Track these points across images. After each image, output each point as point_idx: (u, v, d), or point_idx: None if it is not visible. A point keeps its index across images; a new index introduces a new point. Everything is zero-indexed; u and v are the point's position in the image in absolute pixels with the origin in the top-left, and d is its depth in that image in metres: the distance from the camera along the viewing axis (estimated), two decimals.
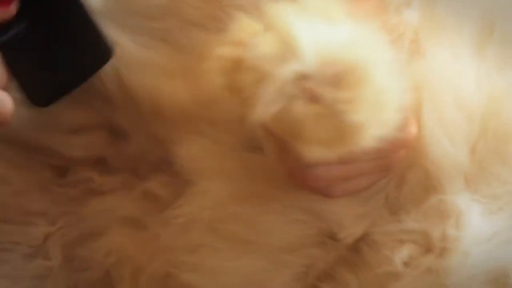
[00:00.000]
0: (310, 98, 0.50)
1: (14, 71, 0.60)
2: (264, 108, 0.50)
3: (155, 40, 0.68)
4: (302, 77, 0.50)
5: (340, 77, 0.50)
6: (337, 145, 0.51)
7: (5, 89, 0.58)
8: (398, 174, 0.61)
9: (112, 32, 0.65)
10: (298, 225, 0.61)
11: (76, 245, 0.69)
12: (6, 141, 0.69)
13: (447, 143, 0.60)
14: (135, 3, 0.69)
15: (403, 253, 0.59)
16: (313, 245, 0.62)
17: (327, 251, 0.61)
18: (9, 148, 0.69)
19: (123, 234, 0.67)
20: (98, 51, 0.62)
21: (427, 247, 0.59)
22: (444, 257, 0.58)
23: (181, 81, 0.65)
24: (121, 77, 0.66)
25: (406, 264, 0.58)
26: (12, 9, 0.58)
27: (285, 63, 0.50)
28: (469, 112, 0.61)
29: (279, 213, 0.62)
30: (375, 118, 0.51)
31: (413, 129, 0.59)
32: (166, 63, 0.66)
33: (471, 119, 0.61)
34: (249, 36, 0.53)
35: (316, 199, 0.61)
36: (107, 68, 0.63)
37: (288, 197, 0.61)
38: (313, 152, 0.51)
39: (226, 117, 0.62)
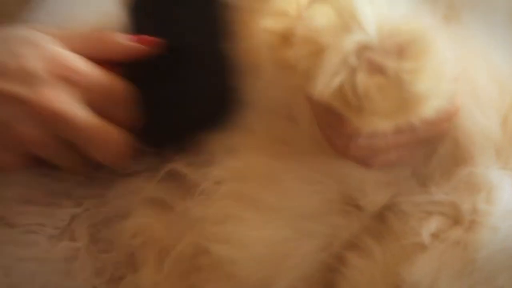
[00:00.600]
0: (374, 69, 0.50)
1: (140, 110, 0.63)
2: (327, 80, 0.50)
3: None
4: (365, 48, 0.50)
5: (403, 47, 0.50)
6: (399, 115, 0.51)
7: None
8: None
9: None
10: (321, 187, 0.61)
11: (102, 226, 0.68)
12: None
13: (478, 114, 0.59)
14: None
15: (431, 225, 0.57)
16: (336, 212, 0.61)
17: (351, 220, 0.61)
18: None
19: (149, 216, 0.67)
20: (220, 105, 0.63)
21: (456, 220, 0.58)
22: (473, 230, 0.57)
23: None
24: None
25: (433, 236, 0.57)
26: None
27: (347, 34, 0.50)
28: (501, 84, 0.60)
29: (303, 177, 0.61)
30: (437, 88, 0.51)
31: (458, 102, 0.58)
32: None
33: (503, 90, 0.60)
34: (295, 7, 0.52)
35: (340, 164, 0.60)
36: None
37: (313, 161, 0.61)
38: (374, 124, 0.51)
39: (265, 80, 0.62)
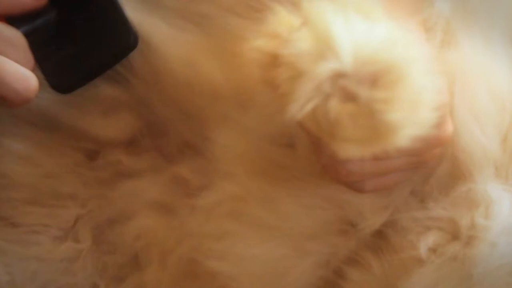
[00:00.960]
0: (346, 97, 0.50)
1: (39, 57, 0.63)
2: (300, 106, 0.50)
3: (190, 23, 0.68)
4: (338, 76, 0.50)
5: (377, 76, 0.50)
6: (372, 144, 0.51)
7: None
8: None
9: (147, 13, 0.66)
10: (319, 210, 0.61)
11: (105, 228, 0.69)
12: (37, 124, 0.69)
13: (478, 132, 0.59)
14: None
15: (429, 239, 0.58)
16: (335, 232, 0.61)
17: (349, 239, 0.61)
18: (41, 130, 0.69)
19: (152, 218, 0.67)
20: (123, 40, 0.64)
21: (454, 235, 0.58)
22: (471, 245, 0.57)
23: (215, 61, 0.65)
24: (154, 56, 0.66)
25: (431, 250, 0.58)
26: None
27: (322, 60, 0.50)
28: (501, 102, 0.60)
29: (301, 200, 0.62)
30: (411, 117, 0.51)
31: (449, 127, 0.58)
32: (200, 44, 0.66)
33: (503, 109, 0.60)
34: (287, 30, 0.53)
35: (338, 189, 0.60)
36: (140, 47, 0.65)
37: (310, 186, 0.61)
38: (347, 151, 0.51)
39: (258, 105, 0.62)
